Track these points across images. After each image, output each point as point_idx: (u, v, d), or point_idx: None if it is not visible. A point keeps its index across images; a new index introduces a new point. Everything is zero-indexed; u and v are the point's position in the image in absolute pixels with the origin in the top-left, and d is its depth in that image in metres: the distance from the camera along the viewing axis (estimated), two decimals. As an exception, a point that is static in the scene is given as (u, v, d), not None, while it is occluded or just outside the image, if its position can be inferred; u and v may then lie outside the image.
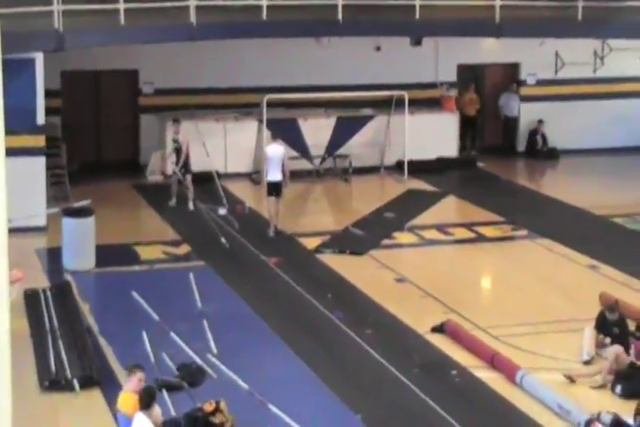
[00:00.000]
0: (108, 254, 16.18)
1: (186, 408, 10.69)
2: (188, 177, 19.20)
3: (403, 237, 18.16)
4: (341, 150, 22.21)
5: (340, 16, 19.59)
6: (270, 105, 21.32)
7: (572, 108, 24.32)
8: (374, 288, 15.14)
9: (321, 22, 19.92)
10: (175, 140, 19.24)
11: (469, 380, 12.09)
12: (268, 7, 19.13)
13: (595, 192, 21.30)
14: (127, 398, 9.55)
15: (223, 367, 12.18)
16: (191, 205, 19.16)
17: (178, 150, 19.18)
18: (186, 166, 19.20)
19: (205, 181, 19.96)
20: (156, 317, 13.79)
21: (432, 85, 23.54)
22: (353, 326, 13.62)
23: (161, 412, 9.66)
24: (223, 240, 17.12)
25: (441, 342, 13.12)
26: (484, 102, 24.59)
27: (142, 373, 9.66)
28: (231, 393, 11.24)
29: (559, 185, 22.22)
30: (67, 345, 12.74)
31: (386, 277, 15.81)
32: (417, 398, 11.55)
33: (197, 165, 19.88)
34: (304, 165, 21.98)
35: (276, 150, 17.81)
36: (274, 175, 17.71)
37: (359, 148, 22.26)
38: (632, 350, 12.56)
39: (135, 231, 18.47)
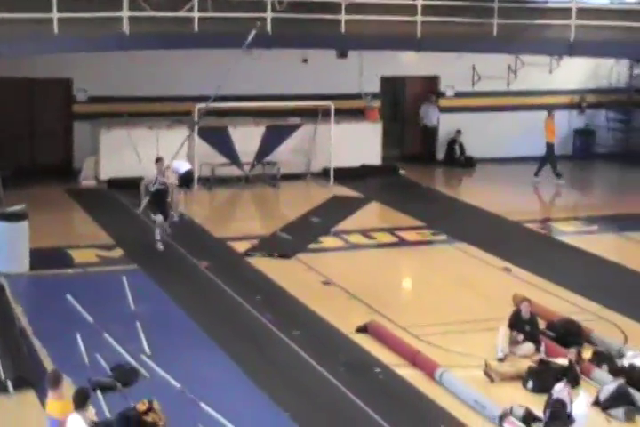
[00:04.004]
0: (42, 258, 16.22)
1: (120, 408, 10.82)
2: (159, 217, 17.43)
3: (328, 241, 18.55)
4: (270, 157, 22.63)
5: (269, 29, 20.10)
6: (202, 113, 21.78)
7: (488, 119, 25.09)
8: (302, 290, 15.43)
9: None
10: (163, 184, 17.52)
11: (392, 377, 12.44)
12: (200, 19, 19.59)
13: (508, 199, 21.95)
14: (54, 405, 9.30)
15: (156, 367, 12.32)
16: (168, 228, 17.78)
17: (161, 192, 17.55)
18: (165, 209, 17.60)
19: (138, 186, 20.21)
20: (90, 319, 13.88)
21: (356, 96, 24.11)
22: (281, 327, 13.89)
23: (95, 412, 9.56)
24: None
25: (365, 342, 13.44)
26: (406, 112, 25.37)
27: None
28: (164, 392, 11.40)
29: (476, 192, 22.79)
30: (0, 347, 12.64)
31: (313, 280, 16.13)
32: (343, 396, 11.83)
33: (130, 171, 20.20)
34: (234, 171, 22.40)
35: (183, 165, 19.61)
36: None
37: (287, 155, 22.71)
38: (542, 348, 13.16)
39: (69, 235, 18.62)
